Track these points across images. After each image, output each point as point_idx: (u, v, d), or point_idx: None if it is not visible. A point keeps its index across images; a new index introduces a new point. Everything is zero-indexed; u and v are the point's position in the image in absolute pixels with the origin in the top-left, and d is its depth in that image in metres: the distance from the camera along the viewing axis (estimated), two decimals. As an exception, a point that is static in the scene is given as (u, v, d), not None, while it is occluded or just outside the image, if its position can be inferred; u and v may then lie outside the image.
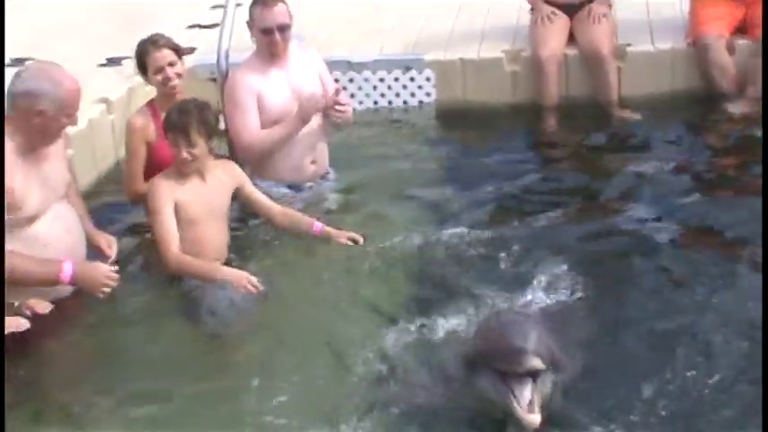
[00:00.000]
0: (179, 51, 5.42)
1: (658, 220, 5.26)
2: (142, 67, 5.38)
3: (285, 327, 4.50)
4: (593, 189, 5.74)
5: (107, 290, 4.45)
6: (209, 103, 4.99)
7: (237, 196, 5.08)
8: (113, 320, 4.58)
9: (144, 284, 4.90)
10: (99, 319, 4.56)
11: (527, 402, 3.48)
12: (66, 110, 4.44)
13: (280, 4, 5.60)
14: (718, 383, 3.80)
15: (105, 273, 4.46)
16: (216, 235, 4.89)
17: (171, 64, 5.31)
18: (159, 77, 5.29)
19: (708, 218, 5.28)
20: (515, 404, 3.48)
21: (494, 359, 3.60)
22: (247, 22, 5.64)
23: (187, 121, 4.74)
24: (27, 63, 4.60)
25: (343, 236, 5.04)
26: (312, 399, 3.94)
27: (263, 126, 5.49)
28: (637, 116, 6.52)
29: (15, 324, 4.27)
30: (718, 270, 4.66)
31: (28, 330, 4.32)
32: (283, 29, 5.54)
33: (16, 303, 4.42)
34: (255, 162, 5.58)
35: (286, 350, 4.29)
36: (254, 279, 4.63)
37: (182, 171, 4.79)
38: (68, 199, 4.75)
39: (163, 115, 4.98)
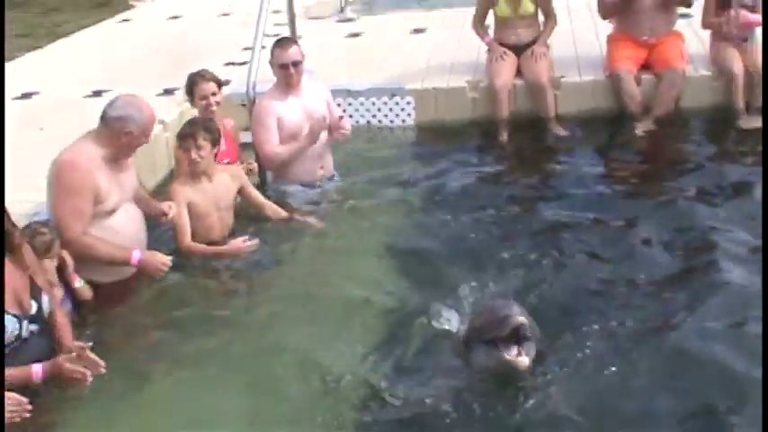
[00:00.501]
0: (220, 84, 5.52)
1: (584, 208, 5.28)
2: (191, 94, 5.48)
3: (286, 319, 4.33)
4: (533, 185, 5.79)
5: (162, 274, 4.54)
6: (213, 120, 5.14)
7: (239, 193, 5.16)
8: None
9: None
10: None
11: (515, 353, 3.44)
12: (146, 131, 4.52)
13: (294, 46, 5.68)
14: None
15: (162, 260, 4.53)
16: (221, 223, 5.03)
17: (213, 93, 5.44)
18: (203, 103, 5.42)
19: (617, 207, 5.33)
20: (505, 355, 3.41)
21: (484, 331, 3.55)
22: (270, 61, 5.67)
23: (195, 130, 4.91)
24: (118, 95, 4.62)
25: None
26: (311, 398, 3.69)
27: (282, 141, 5.53)
28: (566, 132, 6.51)
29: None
30: (617, 250, 4.68)
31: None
32: (297, 64, 5.59)
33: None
34: (276, 168, 5.66)
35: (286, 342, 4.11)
36: (248, 244, 4.76)
37: (193, 172, 4.92)
38: (135, 196, 4.76)
39: None
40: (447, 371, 3.73)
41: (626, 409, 3.47)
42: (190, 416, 3.64)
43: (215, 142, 4.97)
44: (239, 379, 3.81)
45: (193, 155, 4.90)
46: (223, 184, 5.07)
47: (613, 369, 3.65)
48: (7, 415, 3.41)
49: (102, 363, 3.68)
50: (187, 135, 4.93)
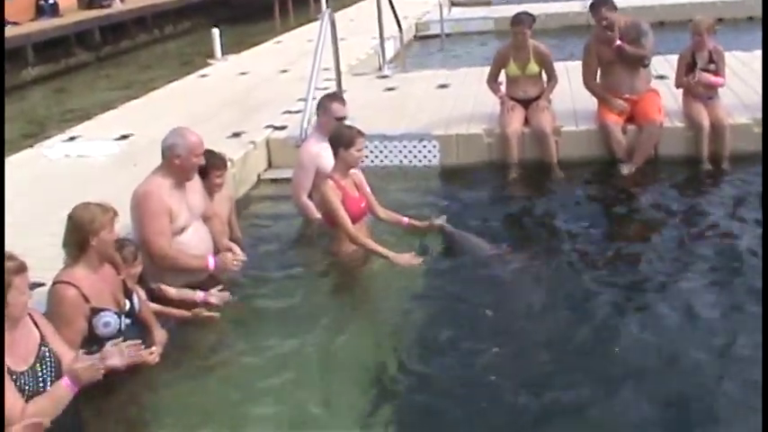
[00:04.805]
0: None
1: (580, 234, 5.32)
2: (346, 145, 4.94)
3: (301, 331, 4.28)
4: (537, 217, 5.81)
5: (238, 264, 4.58)
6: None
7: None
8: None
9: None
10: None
11: None
12: (194, 152, 4.48)
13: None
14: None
15: (235, 259, 4.61)
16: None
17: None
18: (357, 155, 4.96)
19: (607, 232, 5.43)
20: None
21: None
22: (320, 111, 5.61)
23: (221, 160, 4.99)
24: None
25: None
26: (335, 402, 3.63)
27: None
28: (564, 174, 6.48)
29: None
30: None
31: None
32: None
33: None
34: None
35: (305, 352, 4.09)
36: (236, 258, 4.58)
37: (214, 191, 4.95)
38: (209, 221, 4.79)
39: (344, 181, 4.94)
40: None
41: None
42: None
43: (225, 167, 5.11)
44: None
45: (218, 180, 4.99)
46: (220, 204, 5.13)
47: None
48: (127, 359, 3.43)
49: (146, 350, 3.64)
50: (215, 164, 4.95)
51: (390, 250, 4.83)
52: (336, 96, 5.88)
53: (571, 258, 4.96)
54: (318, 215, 5.31)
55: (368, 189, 5.23)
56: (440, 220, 5.27)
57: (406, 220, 5.28)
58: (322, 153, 5.44)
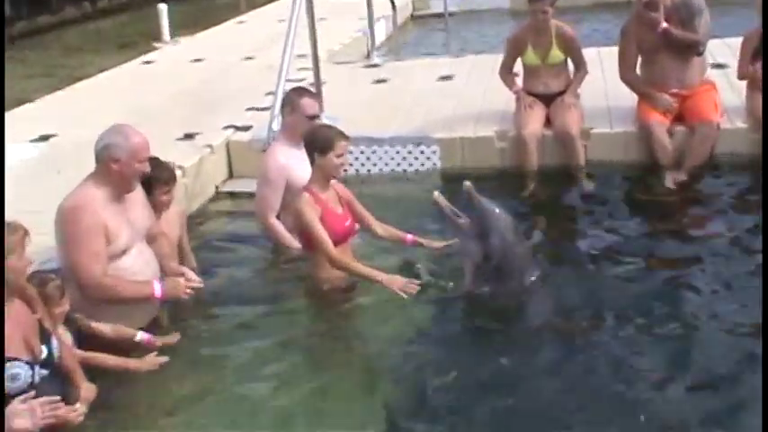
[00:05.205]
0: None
1: (612, 266, 5.26)
2: (322, 149, 4.94)
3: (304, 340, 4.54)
4: (559, 241, 5.77)
5: (190, 291, 4.55)
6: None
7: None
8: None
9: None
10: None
11: None
12: (136, 156, 4.48)
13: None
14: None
15: (185, 284, 4.57)
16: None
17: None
18: (337, 162, 4.96)
19: (647, 266, 5.24)
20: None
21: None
22: (288, 109, 5.61)
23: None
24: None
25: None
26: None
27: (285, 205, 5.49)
28: (593, 187, 6.48)
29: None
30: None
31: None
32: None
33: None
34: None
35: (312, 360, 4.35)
36: (189, 284, 4.60)
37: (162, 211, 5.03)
38: (154, 241, 4.82)
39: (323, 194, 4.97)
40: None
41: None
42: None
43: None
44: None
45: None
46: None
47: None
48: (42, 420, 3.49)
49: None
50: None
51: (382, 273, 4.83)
52: (305, 90, 5.91)
53: (601, 294, 4.91)
54: (291, 240, 5.38)
55: (357, 204, 5.26)
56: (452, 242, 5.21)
57: (409, 237, 5.31)
58: (291, 163, 5.49)
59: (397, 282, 4.72)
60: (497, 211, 4.86)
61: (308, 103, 5.61)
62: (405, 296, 4.64)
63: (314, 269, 5.04)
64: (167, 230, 5.06)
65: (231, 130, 7.43)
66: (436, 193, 4.93)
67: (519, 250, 4.87)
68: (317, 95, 5.85)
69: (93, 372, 4.15)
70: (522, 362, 4.27)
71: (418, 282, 4.76)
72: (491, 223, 4.79)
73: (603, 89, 7.51)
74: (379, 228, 5.30)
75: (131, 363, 4.30)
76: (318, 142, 4.94)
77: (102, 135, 4.59)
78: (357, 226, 5.20)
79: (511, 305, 4.78)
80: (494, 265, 4.75)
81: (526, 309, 4.83)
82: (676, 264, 5.20)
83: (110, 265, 4.46)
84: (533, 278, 4.87)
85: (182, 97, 8.70)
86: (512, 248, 4.82)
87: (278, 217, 5.59)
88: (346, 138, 5.02)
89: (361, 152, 7.01)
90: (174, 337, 4.55)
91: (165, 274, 4.74)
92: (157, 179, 4.91)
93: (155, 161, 4.82)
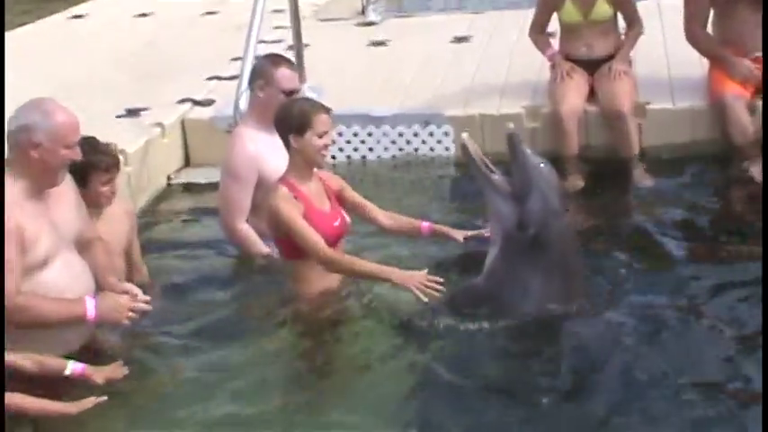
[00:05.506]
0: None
1: (676, 282, 5.23)
2: (299, 128, 4.89)
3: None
4: (608, 241, 5.74)
5: (133, 315, 4.46)
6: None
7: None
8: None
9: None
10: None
11: None
12: (62, 139, 4.44)
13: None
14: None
15: (128, 304, 4.47)
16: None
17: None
18: (319, 143, 4.89)
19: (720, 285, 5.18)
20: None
21: None
22: (259, 83, 5.58)
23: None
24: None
25: None
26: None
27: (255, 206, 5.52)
28: (651, 180, 6.50)
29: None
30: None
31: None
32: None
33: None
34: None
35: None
36: (135, 305, 4.53)
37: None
38: (89, 249, 4.77)
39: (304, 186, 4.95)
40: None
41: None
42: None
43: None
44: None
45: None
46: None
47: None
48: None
49: None
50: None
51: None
52: (282, 58, 5.84)
53: (662, 312, 4.89)
54: (265, 250, 5.40)
55: (352, 192, 5.25)
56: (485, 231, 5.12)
57: (425, 225, 5.27)
58: (263, 151, 5.47)
59: (414, 278, 4.65)
60: (544, 168, 4.81)
61: (285, 75, 5.57)
62: (425, 298, 4.59)
63: (295, 284, 5.03)
64: (107, 234, 5.01)
65: (188, 106, 7.43)
66: (465, 135, 4.86)
67: (563, 223, 4.85)
68: (294, 65, 5.78)
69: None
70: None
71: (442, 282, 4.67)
72: (534, 181, 4.73)
73: (664, 52, 7.52)
74: (385, 218, 5.25)
75: (56, 406, 4.21)
76: (292, 120, 4.88)
77: (15, 113, 4.51)
78: (348, 223, 5.17)
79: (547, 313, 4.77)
80: (530, 236, 4.69)
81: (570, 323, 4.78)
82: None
83: (27, 280, 4.39)
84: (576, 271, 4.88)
85: (123, 62, 8.65)
86: (555, 218, 4.77)
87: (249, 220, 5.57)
88: (327, 110, 4.96)
89: (354, 134, 6.97)
90: (116, 370, 4.43)
91: (102, 290, 4.67)
92: (94, 166, 4.86)
93: (90, 143, 4.79)
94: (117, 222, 5.16)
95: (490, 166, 4.81)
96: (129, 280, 5.01)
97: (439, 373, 4.52)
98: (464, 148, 4.84)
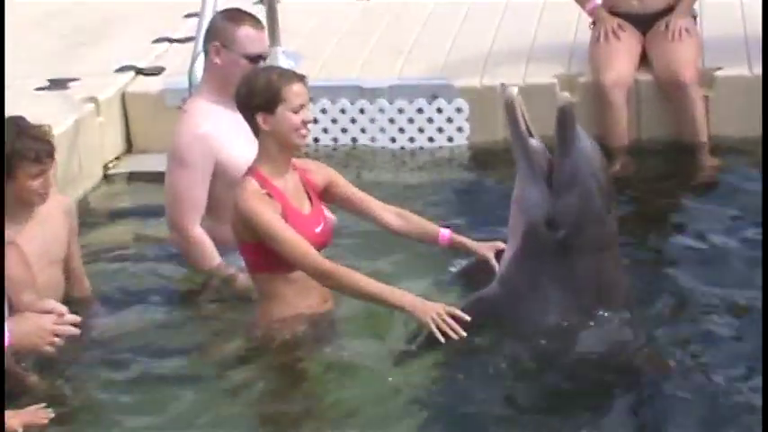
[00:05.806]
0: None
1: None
2: (268, 102, 4.94)
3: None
4: (659, 251, 5.84)
5: (56, 340, 4.40)
6: None
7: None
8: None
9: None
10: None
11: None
12: None
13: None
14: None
15: (52, 327, 4.39)
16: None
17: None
18: (294, 120, 4.94)
19: None
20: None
21: None
22: (215, 46, 5.57)
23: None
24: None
25: None
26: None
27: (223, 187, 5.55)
28: (717, 163, 6.59)
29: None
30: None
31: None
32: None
33: None
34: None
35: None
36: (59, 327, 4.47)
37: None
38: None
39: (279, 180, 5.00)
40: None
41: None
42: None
43: None
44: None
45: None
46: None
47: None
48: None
49: None
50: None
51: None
52: (245, 14, 5.81)
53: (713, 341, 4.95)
54: (222, 263, 5.44)
55: (346, 186, 5.27)
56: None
57: (445, 233, 5.25)
58: (221, 132, 5.52)
59: (433, 310, 4.65)
60: (597, 159, 4.78)
61: (248, 35, 5.58)
62: (442, 339, 4.60)
63: (266, 302, 5.08)
64: (40, 239, 5.06)
65: (129, 75, 7.47)
66: (514, 90, 4.74)
67: (603, 232, 4.78)
68: (260, 23, 5.76)
69: None
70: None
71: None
72: (580, 172, 4.69)
73: (738, 5, 7.51)
74: (393, 217, 5.25)
75: None
76: (258, 94, 4.87)
77: None
78: (332, 228, 5.25)
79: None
80: (558, 238, 4.67)
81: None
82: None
83: None
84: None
85: (46, 20, 8.62)
86: (594, 223, 4.73)
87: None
88: (300, 77, 4.96)
89: (342, 111, 6.96)
90: (37, 414, 4.43)
91: (17, 310, 4.65)
92: (21, 155, 4.86)
93: (17, 125, 4.91)
94: (53, 225, 5.17)
95: (536, 138, 4.73)
96: (68, 294, 5.10)
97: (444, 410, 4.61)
98: (509, 105, 4.71)
